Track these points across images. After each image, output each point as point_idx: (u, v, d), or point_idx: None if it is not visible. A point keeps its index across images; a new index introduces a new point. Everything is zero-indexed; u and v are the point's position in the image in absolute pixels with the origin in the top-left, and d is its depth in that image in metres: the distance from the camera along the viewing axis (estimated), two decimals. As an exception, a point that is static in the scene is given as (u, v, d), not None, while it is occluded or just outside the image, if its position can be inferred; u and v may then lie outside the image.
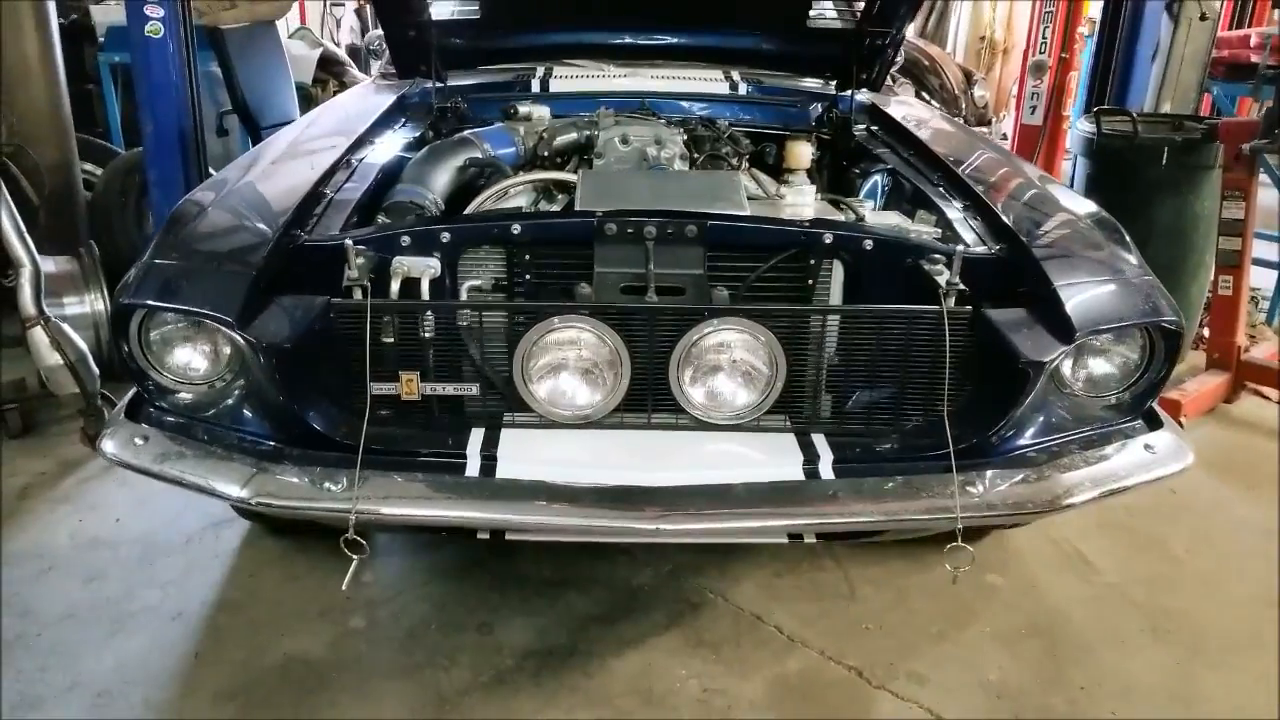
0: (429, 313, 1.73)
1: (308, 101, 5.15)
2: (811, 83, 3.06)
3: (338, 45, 7.57)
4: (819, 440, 1.76)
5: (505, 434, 1.76)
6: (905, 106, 2.91)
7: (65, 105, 3.38)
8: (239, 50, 4.33)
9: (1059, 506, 1.67)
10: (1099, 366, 1.82)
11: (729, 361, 1.72)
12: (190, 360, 1.77)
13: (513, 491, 1.66)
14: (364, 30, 8.55)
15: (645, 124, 2.48)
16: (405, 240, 1.79)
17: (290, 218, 1.83)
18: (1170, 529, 2.70)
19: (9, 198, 2.77)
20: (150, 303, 1.69)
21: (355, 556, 1.63)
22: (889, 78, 3.19)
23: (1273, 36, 4.07)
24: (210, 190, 2.00)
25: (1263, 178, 3.36)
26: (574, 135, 2.45)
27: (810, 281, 1.88)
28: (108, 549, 2.49)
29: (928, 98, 6.75)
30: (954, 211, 2.06)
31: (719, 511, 1.63)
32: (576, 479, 1.66)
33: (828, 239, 1.82)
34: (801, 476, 1.68)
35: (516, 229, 1.81)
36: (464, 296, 1.85)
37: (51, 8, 3.34)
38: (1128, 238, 1.94)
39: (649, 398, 1.77)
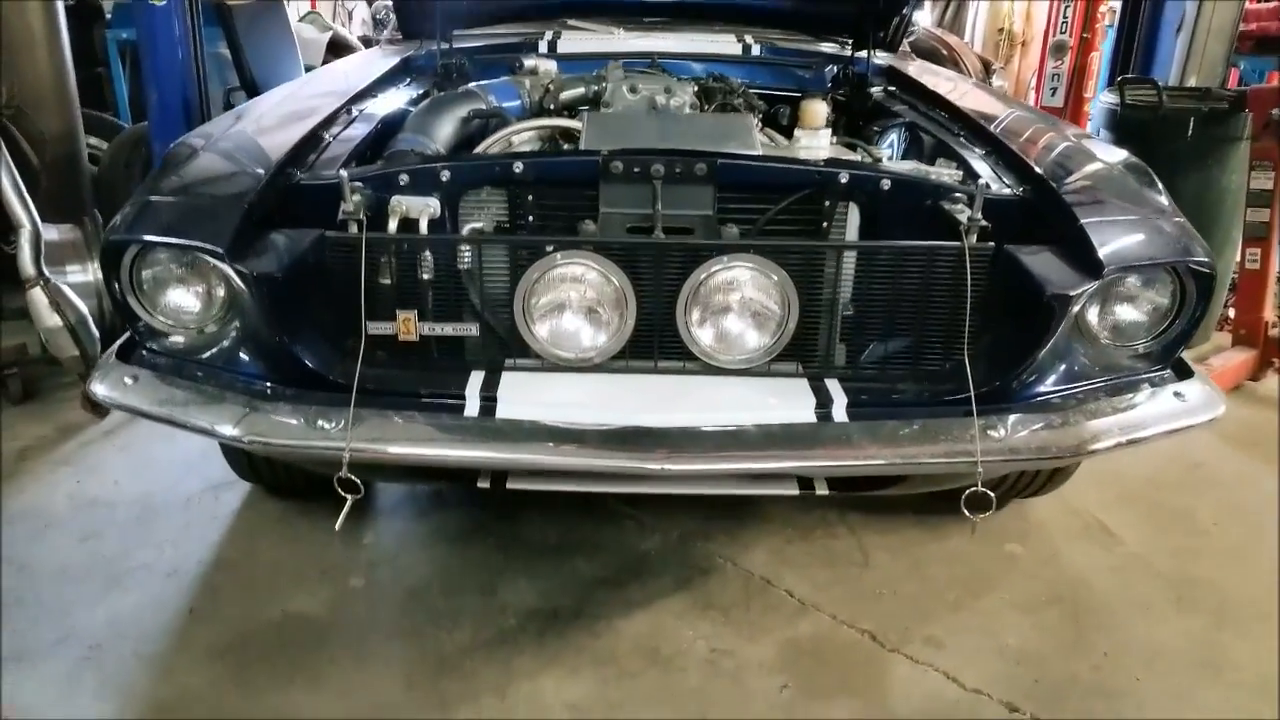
0: (427, 251, 1.67)
1: (317, 84, 5.11)
2: (828, 47, 2.99)
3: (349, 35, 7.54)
4: (833, 385, 1.69)
5: (506, 377, 1.70)
6: (926, 71, 2.83)
7: (69, 75, 3.34)
8: (246, 27, 4.30)
9: (1085, 452, 1.59)
10: (1127, 313, 1.73)
11: (739, 301, 1.65)
12: (183, 301, 1.72)
13: (513, 432, 1.59)
14: (375, 24, 8.52)
15: (655, 77, 2.41)
16: (404, 179, 1.73)
17: (286, 157, 1.78)
18: (1196, 501, 2.61)
19: (9, 158, 2.74)
20: (141, 237, 1.63)
21: (349, 496, 1.57)
22: (906, 46, 3.11)
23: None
24: (204, 135, 1.95)
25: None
26: (581, 90, 2.39)
27: (825, 225, 1.80)
28: (105, 509, 2.45)
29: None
30: (976, 160, 1.98)
31: (729, 453, 1.56)
32: (580, 421, 1.59)
33: (843, 179, 1.75)
34: (814, 420, 1.61)
35: (519, 167, 1.75)
36: (466, 253, 1.79)
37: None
38: (1159, 182, 1.86)
39: (655, 340, 1.70)
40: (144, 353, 1.75)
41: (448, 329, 1.69)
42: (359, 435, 1.57)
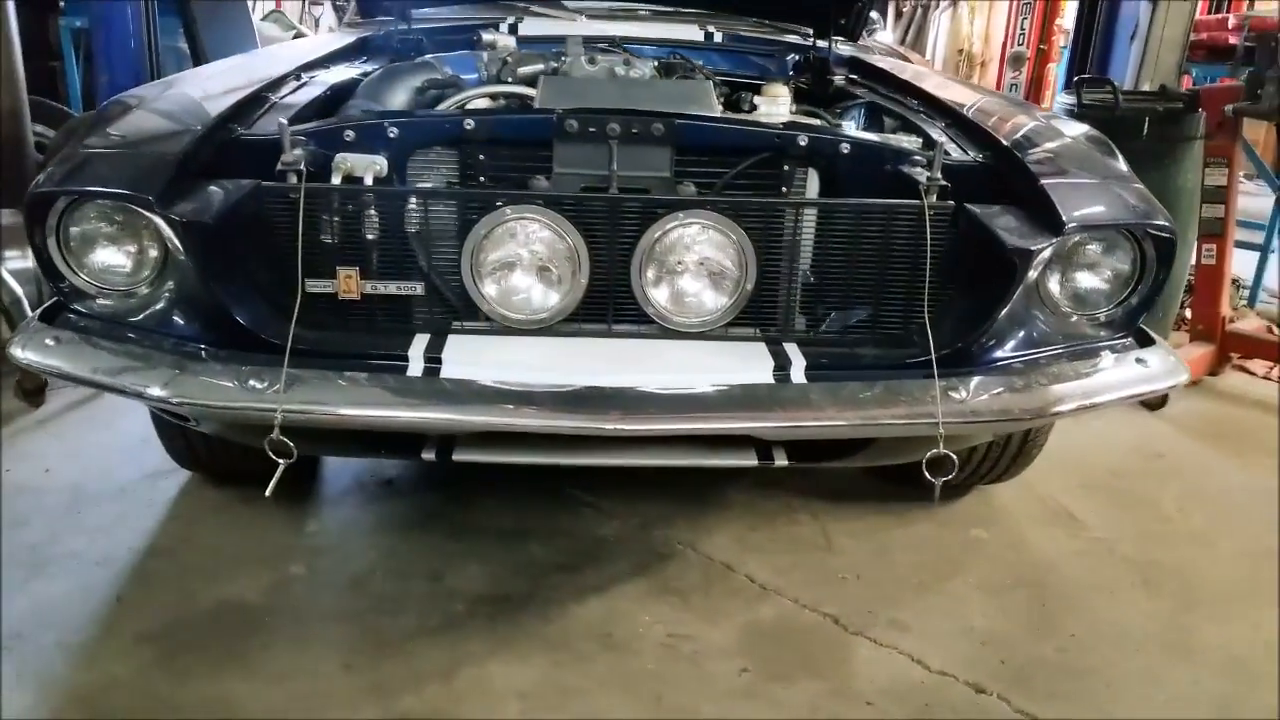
0: (371, 207, 1.60)
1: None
2: (791, 38, 2.98)
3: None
4: (791, 349, 1.64)
5: (452, 340, 1.62)
6: (892, 55, 2.82)
7: (15, 53, 3.23)
8: (206, 22, 4.21)
9: (1048, 414, 1.56)
10: (1088, 280, 1.71)
11: (695, 261, 1.60)
12: (113, 260, 1.63)
13: (460, 393, 1.52)
14: (337, 11, 8.41)
15: (615, 54, 2.37)
16: (349, 135, 1.67)
17: (226, 113, 1.71)
18: (1159, 489, 2.60)
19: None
20: (66, 188, 1.55)
21: (281, 461, 1.48)
22: (867, 38, 3.12)
23: (1251, 18, 4.05)
24: (140, 95, 1.87)
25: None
26: (540, 65, 2.34)
27: (784, 190, 1.76)
28: (33, 496, 2.32)
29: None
30: (937, 133, 1.96)
31: (685, 414, 1.50)
32: (530, 382, 1.52)
33: (802, 141, 1.71)
34: (772, 381, 1.56)
35: (470, 124, 1.69)
36: (413, 208, 1.72)
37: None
38: (1119, 153, 1.84)
39: (610, 303, 1.64)
40: (70, 315, 1.66)
41: (391, 288, 1.61)
42: (294, 396, 1.48)
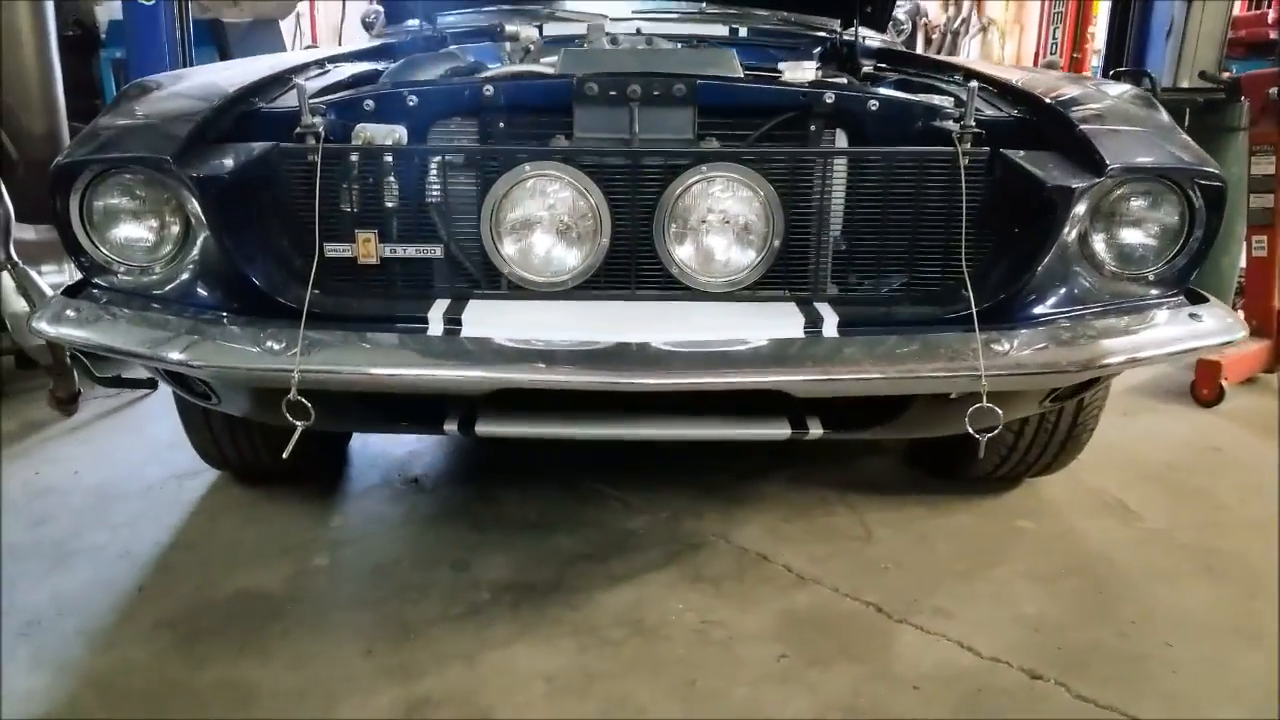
0: (390, 171, 1.58)
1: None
2: (818, 33, 2.95)
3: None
4: (824, 307, 1.57)
5: (472, 303, 1.58)
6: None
7: (56, 77, 3.32)
8: (239, 45, 4.33)
9: (1095, 366, 1.47)
10: (1132, 236, 1.62)
11: (720, 217, 1.55)
12: (136, 235, 1.62)
13: (480, 352, 1.47)
14: (366, 28, 8.58)
15: (638, 37, 2.36)
16: (369, 104, 1.66)
17: (248, 88, 1.71)
18: (1216, 481, 2.47)
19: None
20: (85, 158, 1.54)
21: (299, 424, 1.44)
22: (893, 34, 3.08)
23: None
24: (160, 78, 1.88)
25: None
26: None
27: (811, 152, 1.71)
28: (60, 495, 2.31)
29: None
30: (970, 95, 1.89)
31: (713, 369, 1.44)
32: (553, 340, 1.48)
33: (829, 98, 1.66)
34: (803, 336, 1.49)
35: (489, 90, 1.67)
36: (433, 171, 1.70)
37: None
38: (1164, 110, 1.77)
39: (632, 265, 1.60)
40: (92, 290, 1.65)
41: (410, 250, 1.58)
42: (313, 358, 1.45)
